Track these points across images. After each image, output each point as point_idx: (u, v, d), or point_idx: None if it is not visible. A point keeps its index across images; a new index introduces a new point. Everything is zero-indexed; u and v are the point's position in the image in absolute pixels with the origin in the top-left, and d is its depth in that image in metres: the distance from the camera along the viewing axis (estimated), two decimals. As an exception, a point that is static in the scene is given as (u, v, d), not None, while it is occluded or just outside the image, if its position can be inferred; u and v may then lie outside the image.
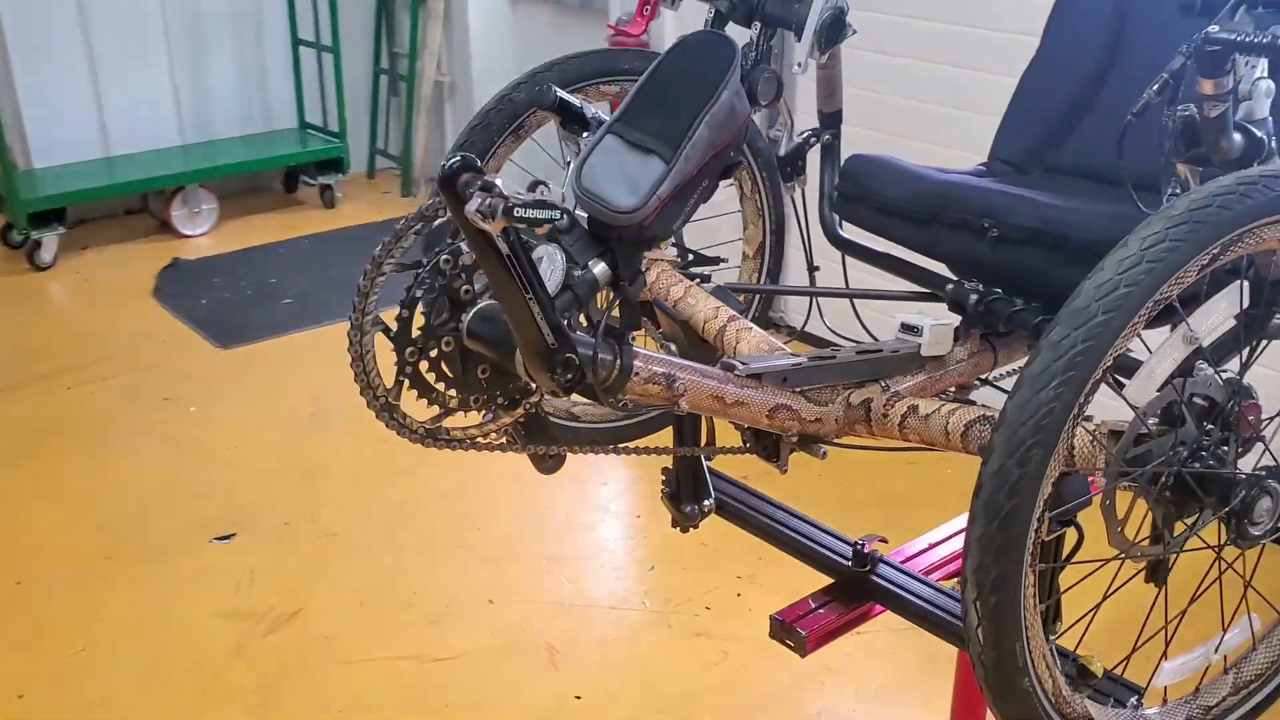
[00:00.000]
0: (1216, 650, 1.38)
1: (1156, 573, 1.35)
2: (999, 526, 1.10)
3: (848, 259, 1.97)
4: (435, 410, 1.34)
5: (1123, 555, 1.27)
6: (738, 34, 1.63)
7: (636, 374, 1.37)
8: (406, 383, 1.30)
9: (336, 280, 5.03)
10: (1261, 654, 1.47)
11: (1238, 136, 1.28)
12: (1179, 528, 1.31)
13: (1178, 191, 1.35)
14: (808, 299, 2.03)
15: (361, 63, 6.12)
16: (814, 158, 2.00)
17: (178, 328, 4.64)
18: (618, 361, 1.33)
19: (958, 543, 1.89)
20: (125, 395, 4.11)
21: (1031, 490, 1.10)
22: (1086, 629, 1.34)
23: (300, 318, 4.71)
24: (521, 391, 1.39)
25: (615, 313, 1.37)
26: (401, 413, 1.31)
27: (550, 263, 1.25)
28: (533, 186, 1.10)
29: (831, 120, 1.98)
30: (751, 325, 1.73)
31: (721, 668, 2.85)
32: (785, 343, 1.75)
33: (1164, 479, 1.25)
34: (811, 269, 2.05)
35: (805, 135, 1.97)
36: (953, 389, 1.79)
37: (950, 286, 1.78)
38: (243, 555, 3.25)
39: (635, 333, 1.43)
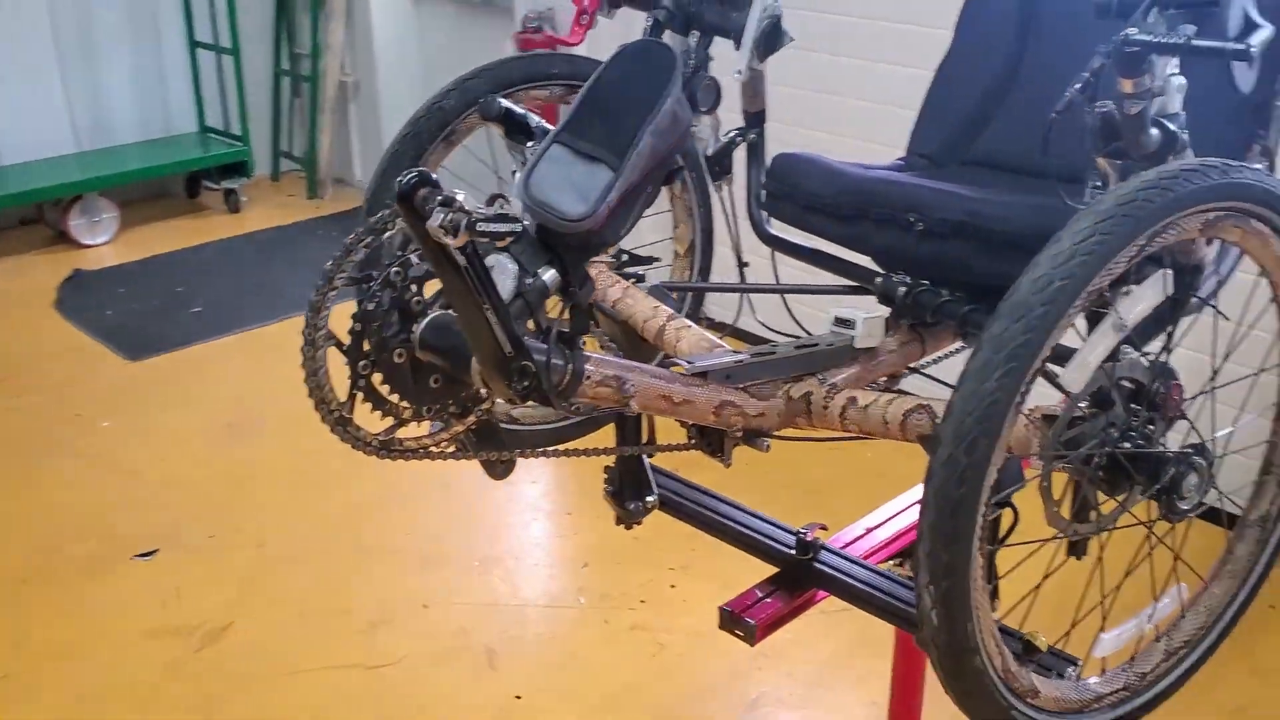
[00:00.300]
0: (1149, 620, 1.45)
1: (1076, 548, 1.41)
2: (950, 514, 1.15)
3: (778, 255, 2.02)
4: (389, 422, 1.35)
5: (1060, 534, 1.33)
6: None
7: (589, 378, 1.39)
8: (360, 395, 1.30)
9: (247, 286, 4.95)
10: (1189, 621, 1.55)
11: (1154, 131, 1.35)
12: (1111, 506, 1.37)
13: (1099, 185, 1.42)
14: (739, 296, 2.07)
15: (262, 64, 6.01)
16: (740, 157, 2.04)
17: (84, 341, 4.52)
18: (570, 367, 1.35)
19: (894, 526, 1.94)
20: (33, 414, 4.00)
21: (979, 478, 1.15)
22: (1030, 607, 1.40)
23: (212, 326, 4.62)
24: (473, 399, 1.40)
25: (564, 318, 1.39)
26: (355, 425, 1.31)
27: (501, 271, 1.27)
28: (492, 200, 1.11)
29: (756, 120, 2.01)
30: (690, 323, 1.76)
31: (659, 660, 2.89)
32: (719, 339, 1.78)
33: (1097, 459, 1.31)
34: (741, 266, 2.09)
35: (731, 135, 2.00)
36: (884, 379, 1.85)
37: (879, 280, 1.83)
38: (168, 571, 3.19)
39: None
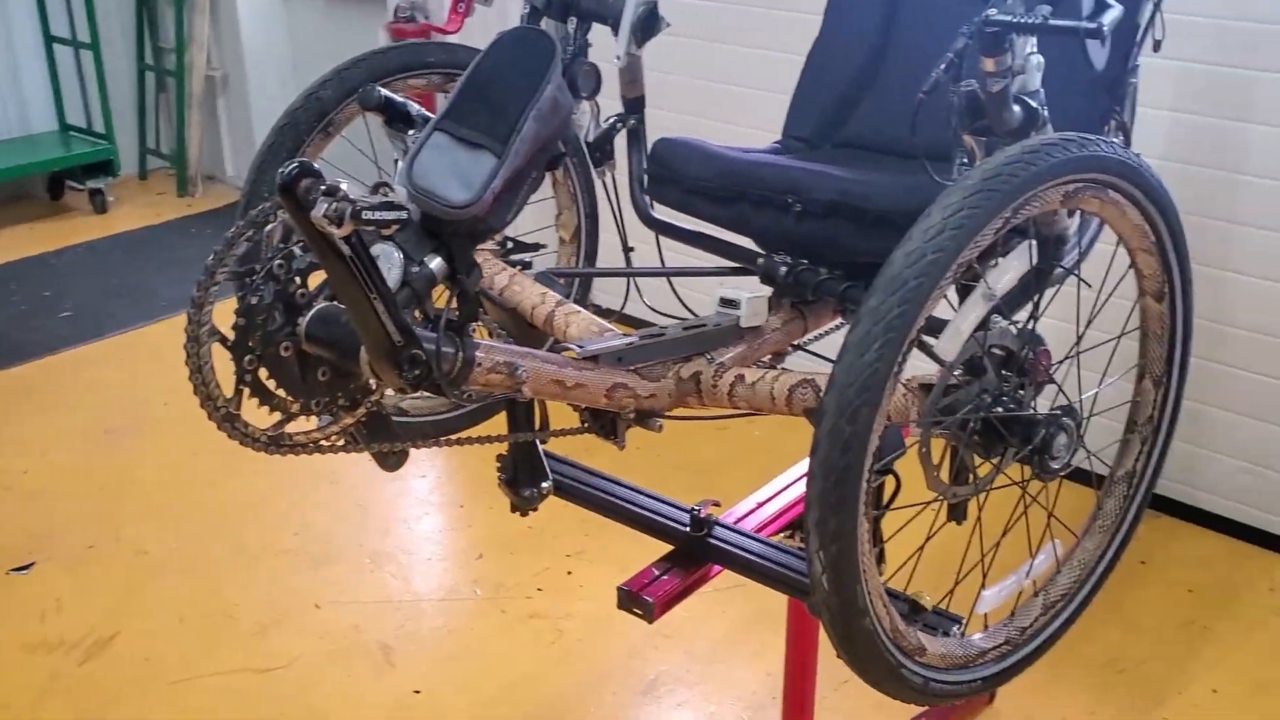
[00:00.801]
0: (1027, 576, 1.52)
1: (956, 512, 1.47)
2: (836, 481, 1.19)
3: (662, 239, 2.04)
4: (277, 417, 1.33)
5: (940, 497, 1.38)
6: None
7: (479, 364, 1.39)
8: (247, 391, 1.29)
9: (117, 289, 4.79)
10: (1065, 575, 1.63)
11: (1016, 108, 1.41)
12: (987, 469, 1.43)
13: (965, 161, 1.47)
14: (625, 281, 2.10)
15: (124, 59, 5.82)
16: (621, 142, 2.06)
17: (-55, 350, 4.34)
18: (460, 354, 1.36)
19: (783, 500, 1.99)
20: (-108, 427, 3.82)
21: (862, 446, 1.19)
22: (915, 569, 1.46)
23: (82, 330, 4.47)
24: (362, 391, 1.39)
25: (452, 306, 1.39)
26: (243, 422, 1.30)
27: (387, 261, 1.27)
28: (376, 188, 1.11)
29: (635, 105, 2.04)
30: (579, 308, 1.78)
31: (558, 646, 2.90)
32: (608, 324, 1.80)
33: (972, 424, 1.37)
34: (627, 250, 2.11)
35: (611, 121, 2.02)
36: (769, 356, 1.89)
37: (761, 260, 1.87)
38: (45, 583, 3.08)
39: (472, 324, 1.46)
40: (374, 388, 1.39)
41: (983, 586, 1.50)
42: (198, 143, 5.81)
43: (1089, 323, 1.56)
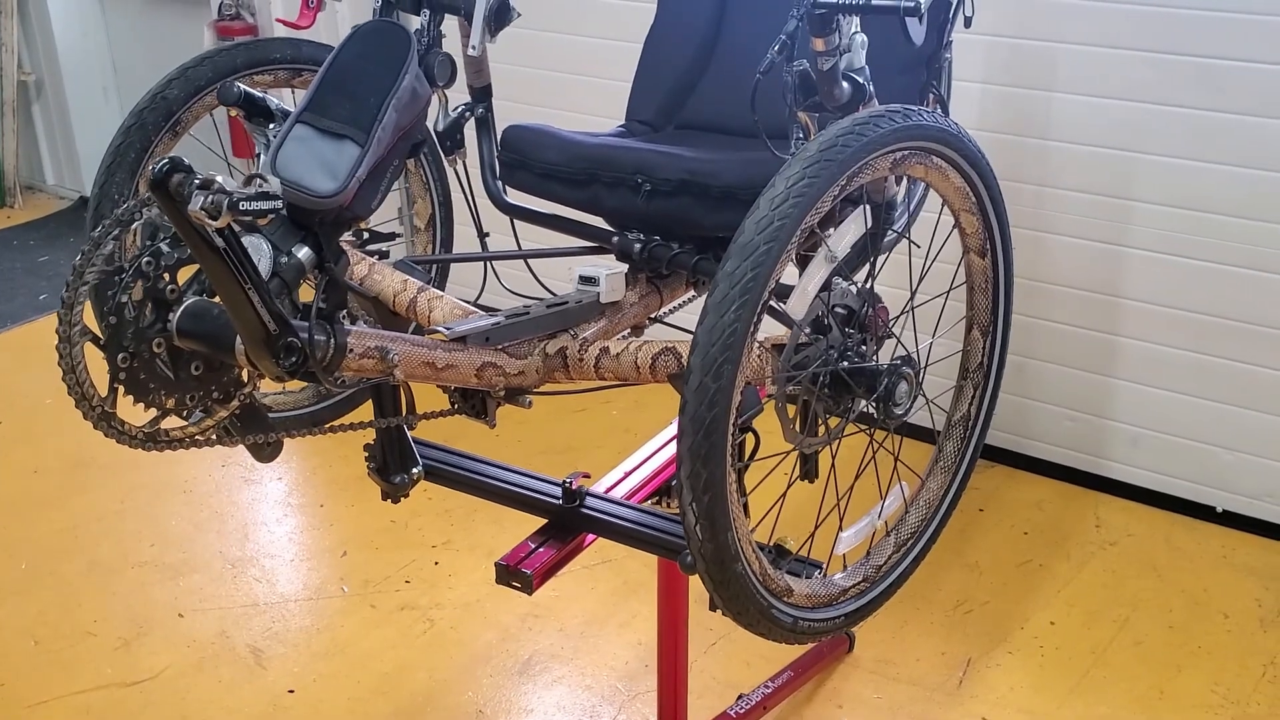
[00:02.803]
0: (879, 516, 1.64)
1: (808, 468, 1.58)
2: (704, 435, 1.27)
3: (517, 224, 2.10)
4: (152, 413, 1.34)
5: (796, 448, 1.48)
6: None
7: (352, 350, 1.43)
8: (121, 389, 1.29)
9: (-65, 307, 4.58)
10: (913, 515, 1.76)
11: (845, 85, 1.52)
12: (836, 421, 1.54)
13: (801, 136, 1.58)
14: (483, 269, 2.14)
15: (-75, 66, 5.52)
16: (470, 131, 2.11)
17: None
18: (333, 341, 1.39)
19: (648, 469, 2.07)
20: None
21: (726, 400, 1.28)
22: (778, 517, 1.56)
23: (-100, 353, 4.25)
24: (235, 384, 1.41)
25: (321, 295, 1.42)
26: (119, 420, 1.31)
27: (256, 252, 1.29)
28: (249, 180, 1.14)
29: (483, 94, 2.09)
30: (441, 293, 1.82)
31: (430, 635, 2.92)
32: (471, 306, 1.85)
33: (821, 379, 1.48)
34: (482, 236, 2.16)
35: (460, 110, 2.07)
36: (629, 330, 1.97)
37: (615, 239, 1.95)
38: (-116, 617, 2.95)
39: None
40: (246, 380, 1.41)
41: (840, 529, 1.61)
42: (14, 150, 5.57)
43: (921, 279, 1.68)
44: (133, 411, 1.33)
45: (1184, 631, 2.80)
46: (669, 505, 2.11)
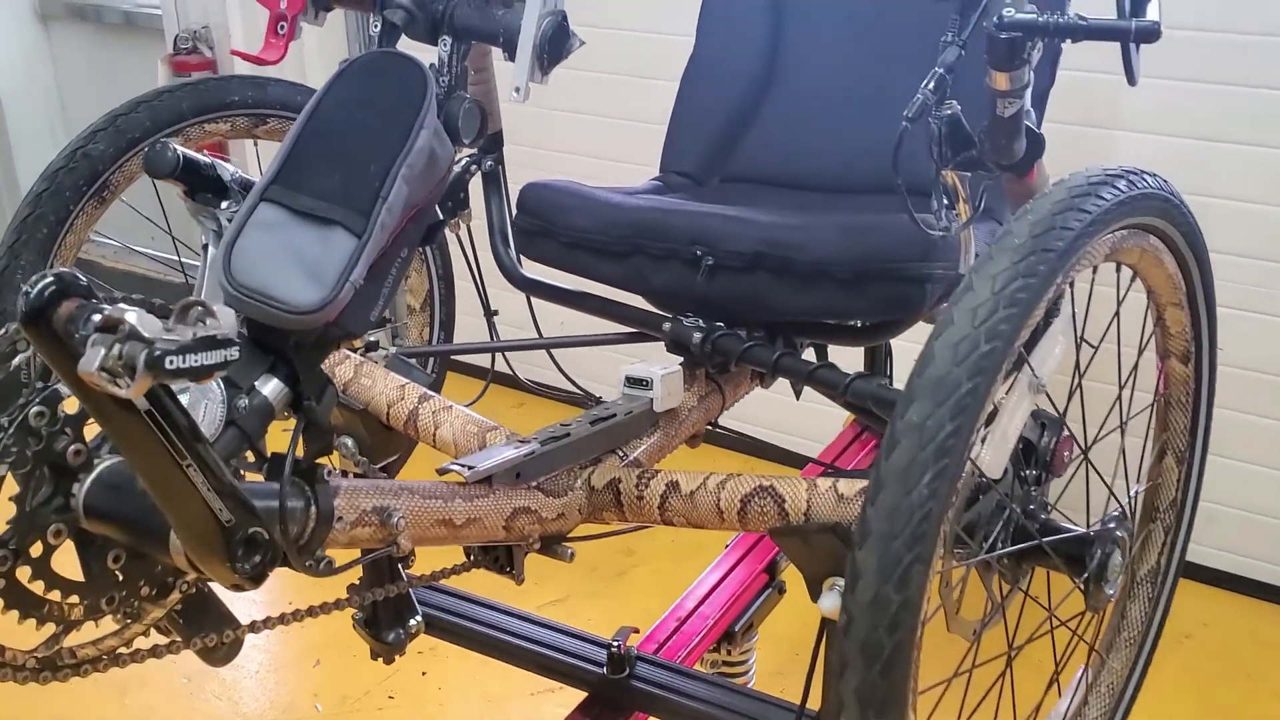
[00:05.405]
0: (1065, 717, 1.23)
1: None
2: (882, 672, 0.85)
3: (535, 301, 1.70)
4: (50, 629, 0.91)
5: (971, 639, 1.07)
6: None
7: (340, 519, 1.00)
8: (1, 603, 0.86)
9: None
10: (1094, 706, 1.35)
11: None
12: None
13: (948, 203, 1.17)
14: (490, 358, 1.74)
15: None
16: (476, 188, 1.71)
17: None
18: (313, 508, 0.96)
19: (707, 612, 1.66)
20: None
21: (913, 619, 0.86)
22: None
23: None
24: (172, 572, 0.98)
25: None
26: (-2, 647, 0.87)
27: (202, 394, 0.86)
28: (186, 309, 0.70)
29: (493, 143, 1.68)
30: (450, 403, 1.42)
31: (422, 768, 2.50)
32: (482, 418, 1.44)
33: (1001, 544, 1.06)
34: (490, 315, 1.76)
35: (463, 163, 1.66)
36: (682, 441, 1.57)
37: (668, 326, 1.55)
38: None
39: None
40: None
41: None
42: (-54, 196, 5.11)
43: (1127, 400, 1.26)
44: (16, 630, 0.90)
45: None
46: (728, 653, 1.71)
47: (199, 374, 0.67)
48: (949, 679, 1.06)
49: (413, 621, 1.57)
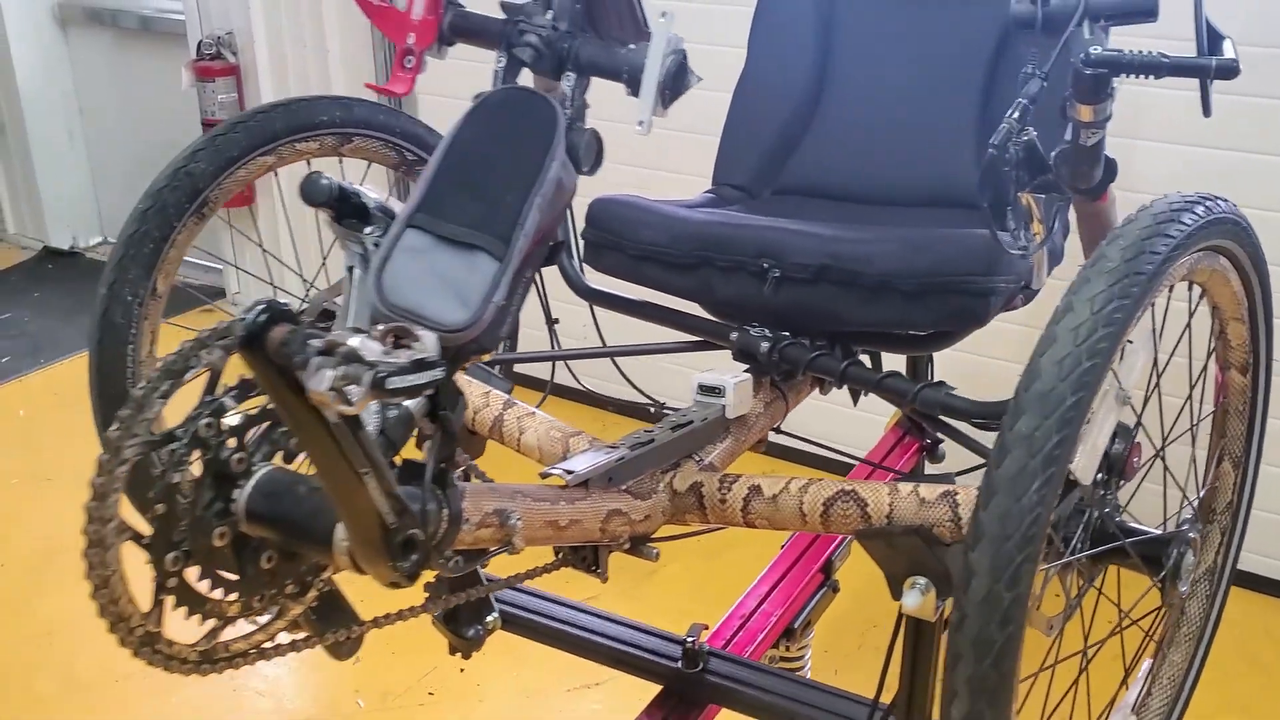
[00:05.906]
0: (1132, 710, 1.30)
1: None
2: (994, 663, 0.92)
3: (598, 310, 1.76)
4: (210, 625, 0.98)
5: (1049, 634, 1.14)
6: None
7: (468, 520, 1.07)
8: (171, 600, 0.93)
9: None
10: (1156, 697, 1.42)
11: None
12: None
13: (1025, 225, 1.24)
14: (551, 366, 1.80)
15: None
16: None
17: None
18: (444, 510, 1.03)
19: (770, 609, 1.73)
20: None
21: (1022, 615, 0.93)
22: None
23: None
24: (312, 570, 1.05)
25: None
26: (166, 641, 0.94)
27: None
28: (386, 335, 0.77)
29: (565, 160, 1.74)
30: (533, 409, 1.48)
31: (464, 764, 2.56)
32: (561, 422, 1.51)
33: (1078, 546, 1.13)
34: (551, 324, 1.82)
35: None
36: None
37: (735, 335, 1.61)
38: None
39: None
40: (326, 565, 1.05)
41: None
42: (-29, 198, 5.15)
43: (1200, 396, 1.33)
44: (178, 623, 0.97)
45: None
46: (786, 648, 1.78)
47: (413, 393, 0.74)
48: (1036, 672, 1.13)
49: (490, 617, 1.61)
